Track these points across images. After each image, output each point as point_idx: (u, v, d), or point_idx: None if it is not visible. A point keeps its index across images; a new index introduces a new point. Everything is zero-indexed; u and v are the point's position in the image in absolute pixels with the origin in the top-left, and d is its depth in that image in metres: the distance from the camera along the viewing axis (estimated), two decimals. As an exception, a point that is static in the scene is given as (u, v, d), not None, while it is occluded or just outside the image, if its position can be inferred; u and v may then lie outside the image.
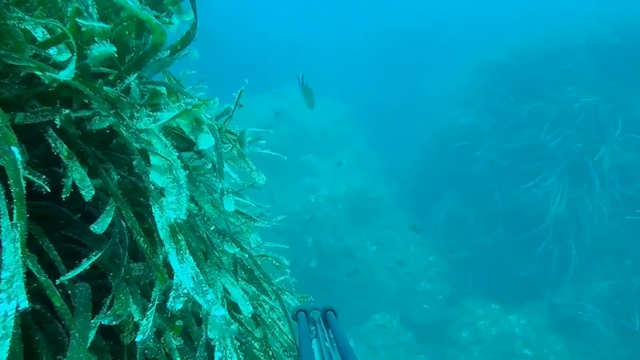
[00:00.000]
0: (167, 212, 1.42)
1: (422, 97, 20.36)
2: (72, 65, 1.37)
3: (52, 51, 1.51)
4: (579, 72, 14.94)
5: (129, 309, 1.52)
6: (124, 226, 1.67)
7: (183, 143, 1.97)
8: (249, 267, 2.37)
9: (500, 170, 15.10)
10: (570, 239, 13.89)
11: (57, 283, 1.39)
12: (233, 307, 2.08)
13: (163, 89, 1.82)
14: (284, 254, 3.43)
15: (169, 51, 1.91)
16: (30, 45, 1.46)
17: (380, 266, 15.23)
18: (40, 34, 1.49)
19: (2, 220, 1.17)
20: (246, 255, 2.28)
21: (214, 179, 1.89)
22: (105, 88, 1.56)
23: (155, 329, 1.64)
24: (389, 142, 20.15)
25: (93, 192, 1.46)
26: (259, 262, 2.45)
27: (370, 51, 27.71)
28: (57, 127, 1.47)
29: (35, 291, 1.39)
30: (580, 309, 13.11)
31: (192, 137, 1.64)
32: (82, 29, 1.49)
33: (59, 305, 1.39)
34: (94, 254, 1.50)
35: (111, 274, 1.60)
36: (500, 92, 15.66)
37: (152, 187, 1.51)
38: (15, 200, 1.19)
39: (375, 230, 16.05)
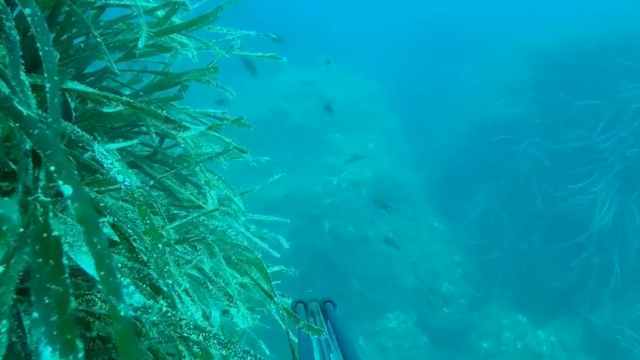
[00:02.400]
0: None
1: (461, 82, 18.84)
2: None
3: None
4: (643, 69, 13.41)
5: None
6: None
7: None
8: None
9: (544, 170, 13.66)
10: (614, 253, 12.52)
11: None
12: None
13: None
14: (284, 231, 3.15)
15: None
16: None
17: (400, 260, 14.08)
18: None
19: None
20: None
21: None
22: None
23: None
24: (423, 127, 18.85)
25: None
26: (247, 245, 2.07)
27: (410, 31, 26.10)
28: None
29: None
30: (619, 333, 11.80)
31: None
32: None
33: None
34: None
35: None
36: (551, 83, 14.14)
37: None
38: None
39: (399, 220, 14.83)
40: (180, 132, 1.76)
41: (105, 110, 1.64)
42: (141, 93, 2.30)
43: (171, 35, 2.20)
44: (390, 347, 12.45)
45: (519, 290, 13.50)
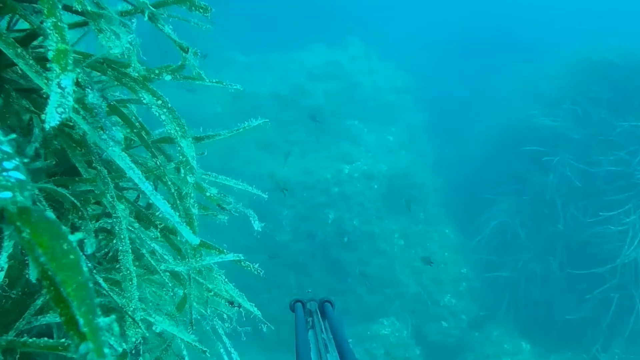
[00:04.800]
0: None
1: (498, 88, 17.75)
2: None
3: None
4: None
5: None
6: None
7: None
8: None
9: (573, 191, 12.58)
10: (636, 291, 11.48)
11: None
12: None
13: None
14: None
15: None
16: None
17: (403, 264, 13.19)
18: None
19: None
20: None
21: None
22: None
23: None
24: (449, 129, 17.87)
25: None
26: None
27: (453, 30, 24.88)
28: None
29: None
30: (630, 379, 10.83)
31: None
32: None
33: None
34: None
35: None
36: (594, 98, 12.98)
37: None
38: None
39: (409, 222, 13.90)
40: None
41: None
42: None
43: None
44: (379, 355, 11.59)
45: (526, 316, 12.54)
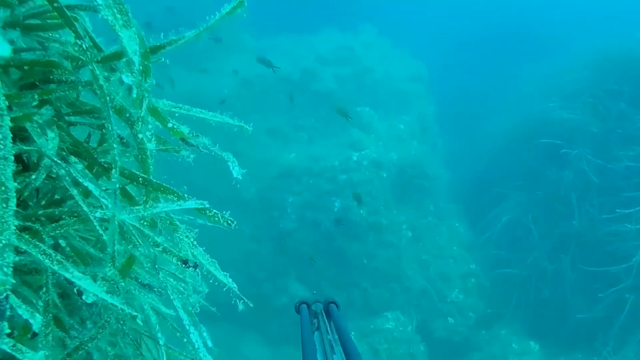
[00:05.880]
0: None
1: (516, 81, 17.22)
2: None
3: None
4: None
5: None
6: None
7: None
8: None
9: (589, 186, 12.09)
10: (652, 294, 11.02)
11: None
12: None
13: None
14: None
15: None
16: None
17: (410, 257, 12.80)
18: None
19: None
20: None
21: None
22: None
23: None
24: (461, 119, 17.43)
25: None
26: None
27: (466, 20, 24.35)
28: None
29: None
30: (642, 383, 10.40)
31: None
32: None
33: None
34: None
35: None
36: (616, 92, 12.44)
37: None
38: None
39: (418, 214, 13.50)
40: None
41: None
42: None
43: None
44: (382, 350, 11.24)
45: (535, 314, 12.11)
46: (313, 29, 17.37)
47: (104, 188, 1.28)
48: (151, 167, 1.39)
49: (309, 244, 12.59)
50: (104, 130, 1.51)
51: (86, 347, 1.38)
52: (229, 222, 1.53)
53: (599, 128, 12.46)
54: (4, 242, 0.94)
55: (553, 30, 20.08)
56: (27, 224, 1.26)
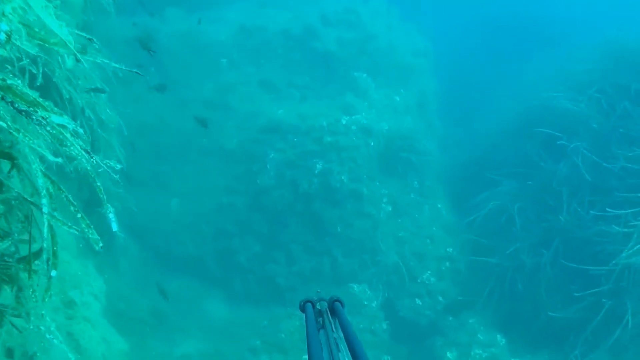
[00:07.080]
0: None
1: (519, 67, 16.74)
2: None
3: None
4: None
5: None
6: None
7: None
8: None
9: (582, 183, 11.58)
10: (630, 300, 10.51)
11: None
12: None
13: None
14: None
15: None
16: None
17: (387, 231, 12.30)
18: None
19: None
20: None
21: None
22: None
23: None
24: (460, 102, 16.91)
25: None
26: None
27: (478, 3, 23.72)
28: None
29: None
30: (609, 391, 9.98)
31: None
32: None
33: None
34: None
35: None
36: (623, 87, 11.89)
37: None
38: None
39: (401, 189, 12.99)
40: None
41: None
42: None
43: None
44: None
45: (507, 308, 11.65)
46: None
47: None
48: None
49: (285, 203, 12.07)
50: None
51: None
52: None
53: (600, 124, 11.93)
54: None
55: (565, 19, 19.57)
56: None
